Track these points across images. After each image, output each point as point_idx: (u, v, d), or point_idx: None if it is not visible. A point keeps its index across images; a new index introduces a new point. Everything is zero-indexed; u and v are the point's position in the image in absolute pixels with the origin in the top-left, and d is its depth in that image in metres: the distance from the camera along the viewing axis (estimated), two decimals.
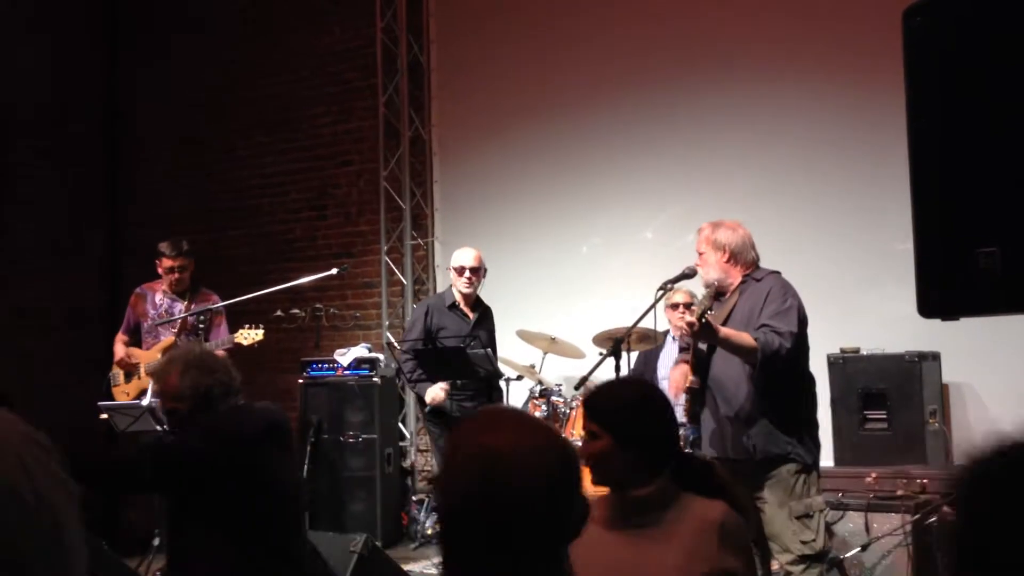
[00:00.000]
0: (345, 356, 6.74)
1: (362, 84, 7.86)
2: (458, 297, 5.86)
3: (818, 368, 4.38)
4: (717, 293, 4.13)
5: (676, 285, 4.57)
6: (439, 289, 7.49)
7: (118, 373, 6.16)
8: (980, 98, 1.78)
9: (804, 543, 3.87)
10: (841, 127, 6.05)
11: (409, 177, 7.65)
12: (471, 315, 5.86)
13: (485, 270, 5.86)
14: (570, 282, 6.97)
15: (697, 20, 6.60)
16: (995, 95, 1.76)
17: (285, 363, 7.54)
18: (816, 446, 4.02)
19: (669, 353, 5.99)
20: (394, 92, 7.64)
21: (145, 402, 5.74)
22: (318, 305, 7.18)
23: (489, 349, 5.62)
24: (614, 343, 4.62)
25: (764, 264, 4.18)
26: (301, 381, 6.83)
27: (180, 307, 6.14)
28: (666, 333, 5.93)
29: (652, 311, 4.37)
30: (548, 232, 7.08)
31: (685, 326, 3.85)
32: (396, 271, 7.64)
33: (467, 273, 5.77)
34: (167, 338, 6.05)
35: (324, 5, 8.09)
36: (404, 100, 7.66)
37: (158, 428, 5.70)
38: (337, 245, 7.95)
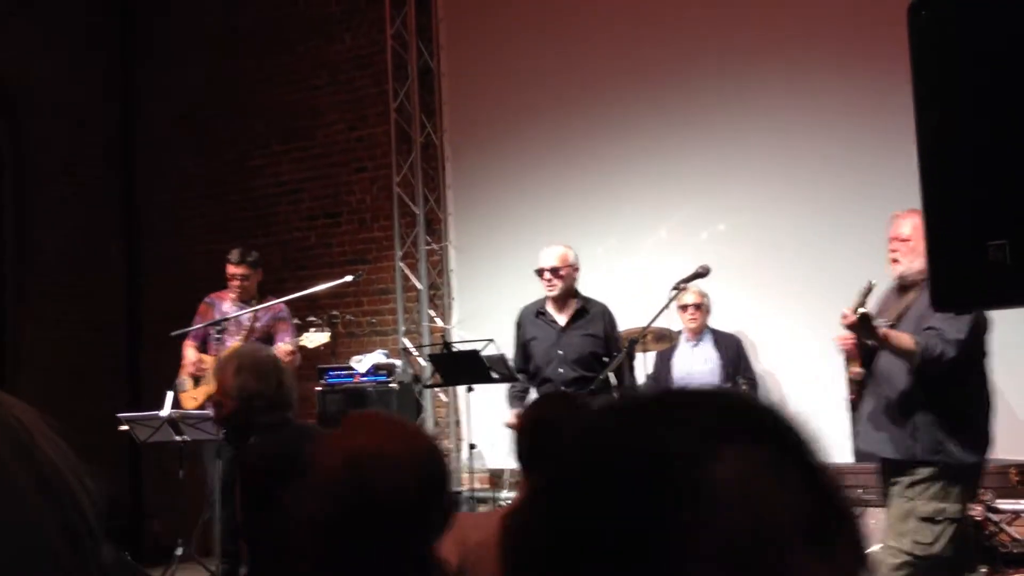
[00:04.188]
0: (362, 362, 6.76)
1: (374, 91, 7.88)
2: (548, 301, 5.34)
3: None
4: (901, 286, 3.93)
5: (689, 285, 4.57)
6: (453, 294, 7.51)
7: (186, 380, 6.12)
8: (987, 90, 1.77)
9: (917, 543, 3.62)
10: (854, 122, 6.01)
11: (422, 183, 7.66)
12: (560, 320, 5.29)
13: (574, 266, 5.34)
14: (586, 283, 6.93)
15: (707, 20, 6.58)
16: (1002, 86, 1.75)
17: (302, 370, 7.54)
18: (975, 451, 3.73)
19: (683, 353, 5.98)
20: (405, 98, 7.66)
21: (164, 413, 5.77)
22: (334, 312, 7.20)
23: (505, 353, 5.31)
24: (629, 343, 4.63)
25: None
26: (318, 388, 6.86)
27: (247, 315, 6.15)
28: (679, 333, 5.92)
29: (666, 310, 4.37)
30: (563, 234, 7.04)
31: (845, 326, 3.73)
32: (411, 277, 7.64)
33: (546, 275, 5.27)
34: (233, 344, 5.97)
35: (334, 13, 8.13)
36: (415, 106, 7.68)
37: (177, 439, 5.72)
38: (352, 252, 7.97)
